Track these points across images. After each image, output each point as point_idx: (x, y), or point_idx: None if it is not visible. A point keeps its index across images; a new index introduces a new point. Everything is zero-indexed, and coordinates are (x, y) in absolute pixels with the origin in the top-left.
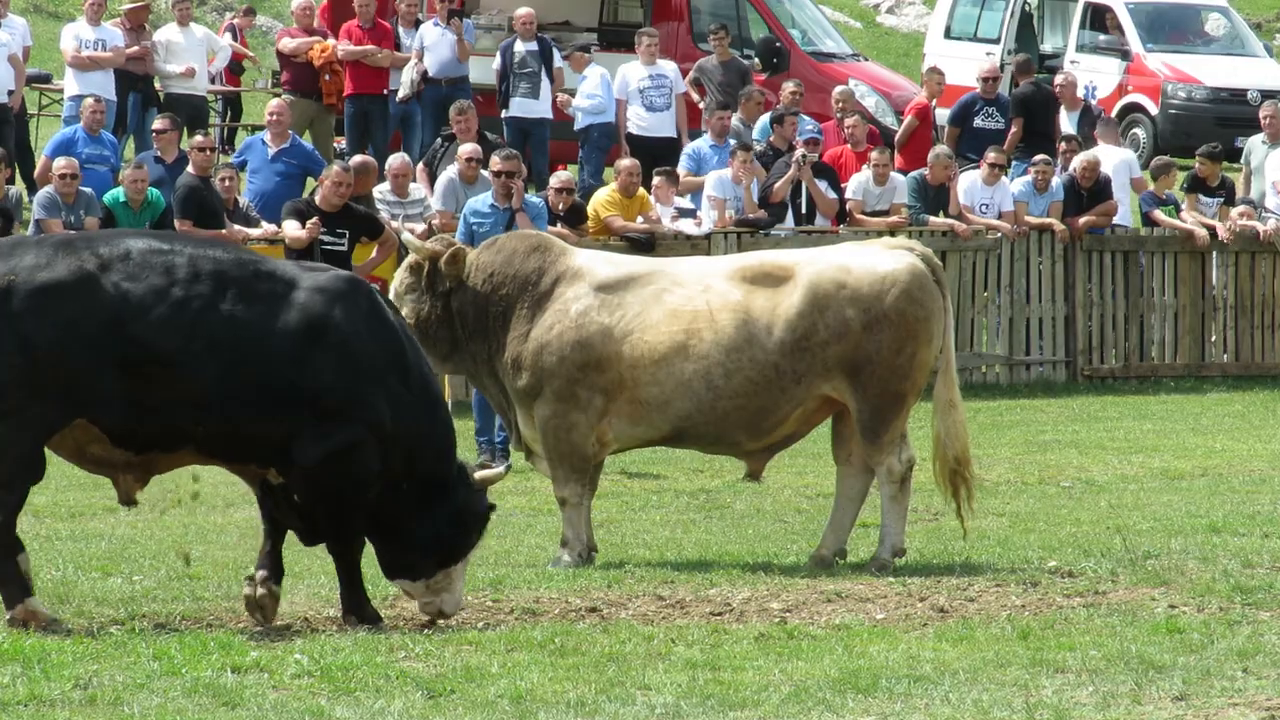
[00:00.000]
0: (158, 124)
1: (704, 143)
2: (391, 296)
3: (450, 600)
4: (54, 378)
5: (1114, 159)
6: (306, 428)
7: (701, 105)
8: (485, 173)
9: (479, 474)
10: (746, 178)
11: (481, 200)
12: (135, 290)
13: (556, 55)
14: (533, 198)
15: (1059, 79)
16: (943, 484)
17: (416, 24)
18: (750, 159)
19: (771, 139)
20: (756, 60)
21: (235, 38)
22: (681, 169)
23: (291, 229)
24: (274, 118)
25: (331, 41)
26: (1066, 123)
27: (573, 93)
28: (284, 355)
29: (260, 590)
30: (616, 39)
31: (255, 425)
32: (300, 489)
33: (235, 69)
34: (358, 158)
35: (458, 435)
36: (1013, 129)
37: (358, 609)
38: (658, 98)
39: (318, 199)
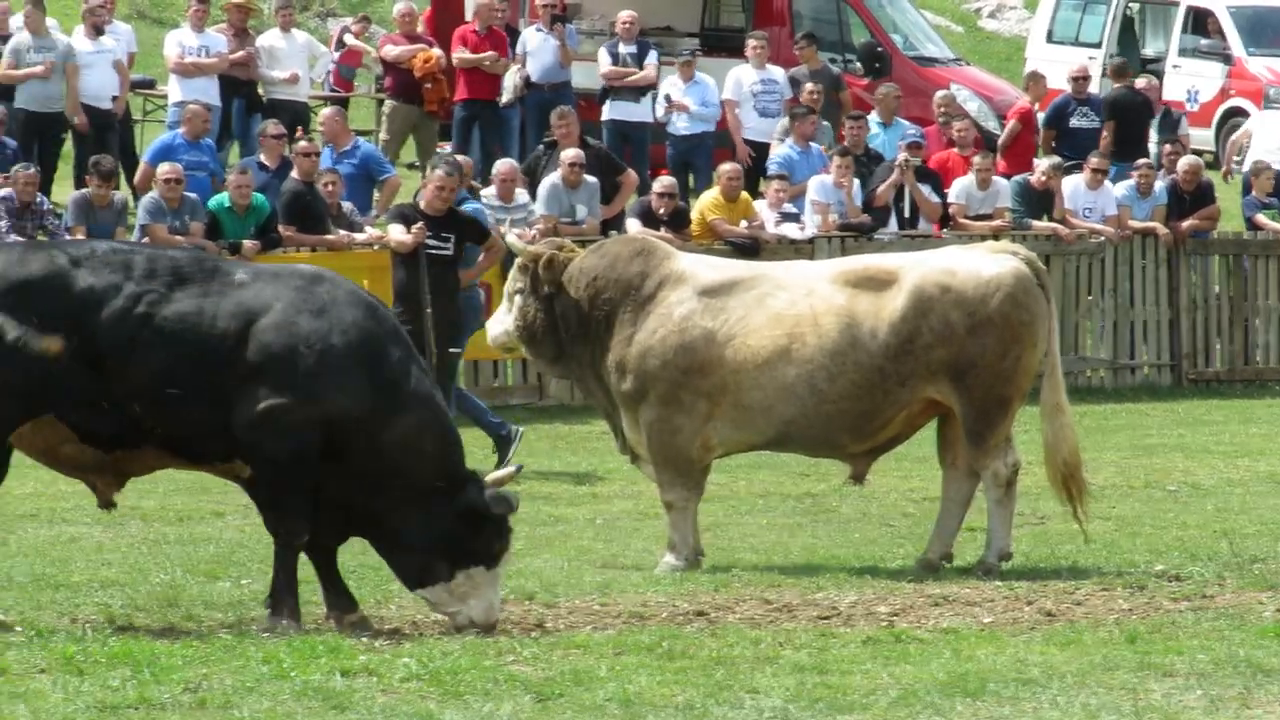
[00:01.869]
0: (270, 129)
1: (790, 149)
2: (504, 298)
3: (479, 607)
4: (16, 372)
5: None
6: (241, 402)
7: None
8: (588, 177)
9: (490, 475)
10: (847, 182)
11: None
12: (97, 284)
13: (652, 56)
14: (473, 203)
15: (1140, 84)
16: (1055, 488)
17: (507, 29)
18: (849, 164)
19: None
20: (858, 65)
21: (345, 35)
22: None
23: (396, 233)
24: (323, 128)
25: (436, 51)
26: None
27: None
28: (225, 342)
29: (344, 624)
30: (718, 44)
31: (201, 417)
32: (246, 460)
33: (347, 74)
34: (456, 157)
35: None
36: (1104, 132)
37: (277, 597)
38: (770, 103)
39: (422, 203)
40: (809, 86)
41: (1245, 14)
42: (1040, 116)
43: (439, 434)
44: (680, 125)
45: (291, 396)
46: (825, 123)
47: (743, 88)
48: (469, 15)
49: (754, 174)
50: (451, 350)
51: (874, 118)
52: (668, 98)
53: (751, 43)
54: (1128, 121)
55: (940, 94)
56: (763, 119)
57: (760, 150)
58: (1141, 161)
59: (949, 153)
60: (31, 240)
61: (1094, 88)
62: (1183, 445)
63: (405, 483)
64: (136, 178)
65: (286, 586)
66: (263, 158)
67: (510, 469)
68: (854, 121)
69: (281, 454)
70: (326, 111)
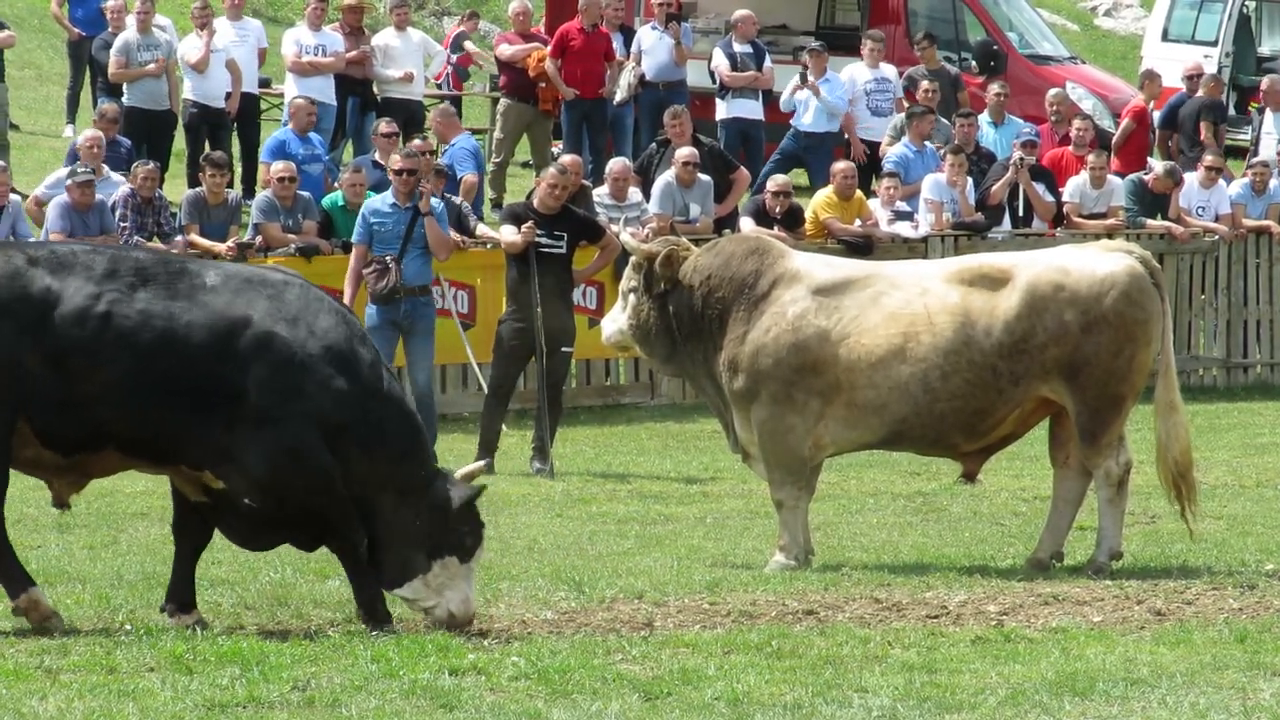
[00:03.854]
0: (381, 127)
1: (905, 147)
2: (619, 297)
3: (456, 599)
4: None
5: None
6: (243, 435)
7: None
8: (702, 176)
9: (460, 471)
10: (961, 181)
11: (381, 199)
12: (55, 285)
13: (767, 59)
14: (435, 200)
15: (1265, 82)
16: (1165, 487)
17: (622, 28)
18: (962, 163)
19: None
20: (973, 63)
21: (461, 43)
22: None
23: (508, 234)
24: (432, 127)
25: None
26: (1270, 123)
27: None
28: (201, 350)
29: (178, 623)
30: (834, 42)
31: (174, 422)
32: (258, 502)
33: (462, 74)
34: (567, 157)
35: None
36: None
37: (369, 606)
38: (883, 102)
39: (535, 201)
40: (925, 85)
41: None
42: (1155, 115)
43: (410, 433)
44: (805, 120)
45: (293, 429)
46: (944, 120)
47: (856, 86)
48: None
49: (867, 172)
50: (563, 349)
51: (985, 117)
52: (802, 73)
53: (868, 45)
54: (1183, 128)
55: (1053, 92)
56: (875, 117)
57: (871, 149)
58: (1257, 160)
59: (1063, 151)
60: None
61: None
62: None
63: (380, 482)
64: (259, 178)
65: (376, 594)
66: (376, 156)
67: (480, 464)
68: (963, 120)
69: (314, 487)
70: (434, 113)
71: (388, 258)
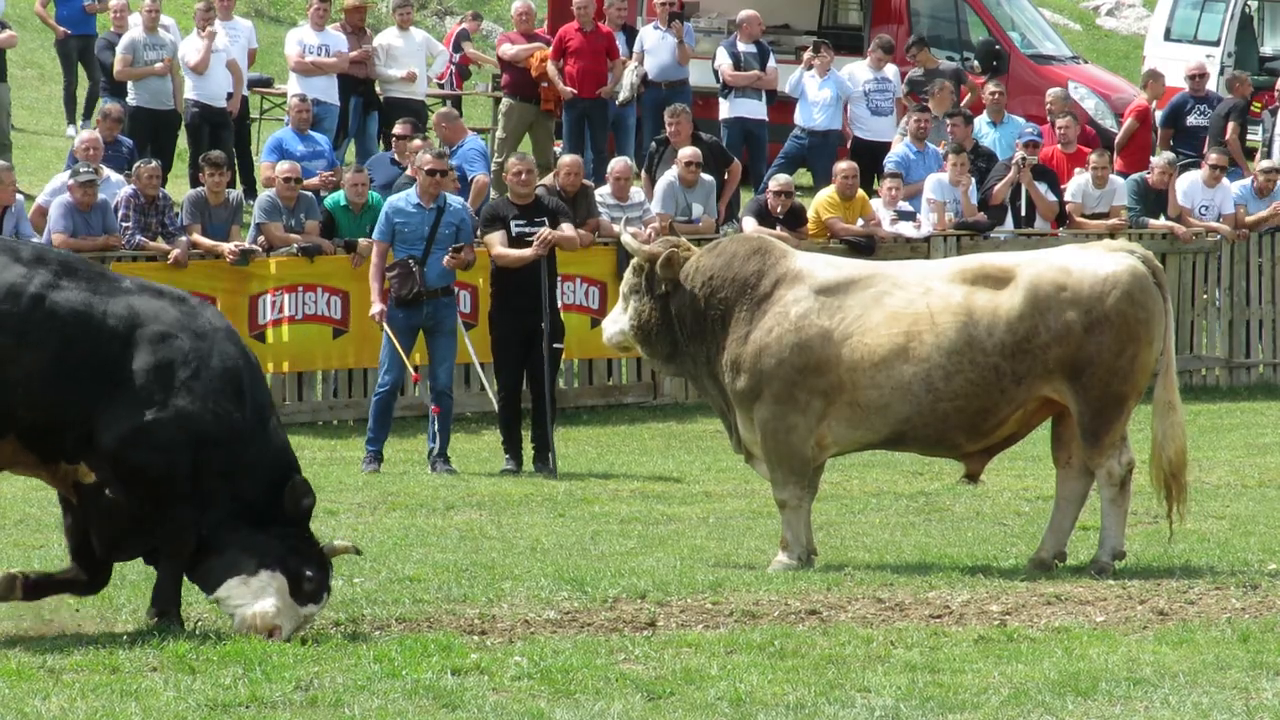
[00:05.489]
0: (397, 129)
1: (906, 147)
2: (620, 299)
3: (267, 605)
4: None
5: None
6: (111, 410)
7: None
8: (705, 176)
9: (332, 544)
10: (965, 181)
11: (405, 199)
12: None
13: (771, 59)
14: (455, 200)
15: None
16: (1156, 486)
17: (625, 27)
18: (964, 162)
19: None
20: (976, 63)
21: (461, 43)
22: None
23: (498, 244)
24: (435, 130)
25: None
26: None
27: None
28: (107, 340)
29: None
30: (836, 42)
31: (69, 414)
32: (112, 480)
33: (465, 73)
34: (567, 157)
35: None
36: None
37: (166, 604)
38: (882, 102)
39: (510, 196)
40: (945, 84)
41: None
42: (1158, 115)
43: (282, 479)
44: (816, 116)
45: (165, 412)
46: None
47: (856, 85)
48: None
49: (868, 172)
50: (554, 346)
51: (985, 117)
52: (816, 45)
53: (876, 52)
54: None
55: (1052, 92)
56: (875, 117)
57: (872, 149)
58: (1265, 164)
59: (1053, 149)
60: None
61: (1210, 85)
62: None
63: (243, 509)
64: (261, 178)
65: (176, 598)
66: (396, 155)
67: (348, 544)
68: (953, 120)
69: (157, 469)
70: (437, 115)
71: (410, 261)
